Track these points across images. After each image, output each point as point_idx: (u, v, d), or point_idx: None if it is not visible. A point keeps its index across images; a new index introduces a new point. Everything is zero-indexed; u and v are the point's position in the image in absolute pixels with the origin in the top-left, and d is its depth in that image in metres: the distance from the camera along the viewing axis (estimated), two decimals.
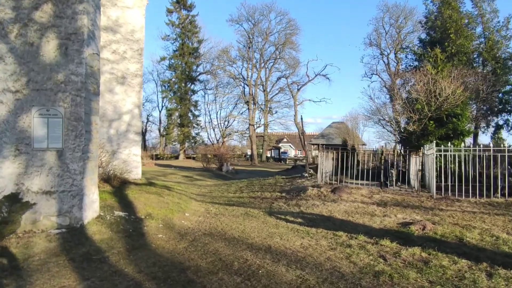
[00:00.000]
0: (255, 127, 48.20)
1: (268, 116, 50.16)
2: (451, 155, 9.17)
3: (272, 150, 59.76)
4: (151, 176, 19.02)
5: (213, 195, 13.08)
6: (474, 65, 15.36)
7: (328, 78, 46.17)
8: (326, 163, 12.07)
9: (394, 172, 10.66)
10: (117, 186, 11.24)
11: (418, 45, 17.26)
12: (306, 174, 13.94)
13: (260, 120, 49.45)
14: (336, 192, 9.72)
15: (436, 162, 9.61)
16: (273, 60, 48.80)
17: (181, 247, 6.27)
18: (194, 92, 50.72)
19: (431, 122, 11.66)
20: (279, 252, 5.72)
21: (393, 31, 39.35)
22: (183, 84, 47.60)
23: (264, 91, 49.61)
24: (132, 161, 13.93)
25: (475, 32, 16.08)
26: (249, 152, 64.99)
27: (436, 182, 9.07)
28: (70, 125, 6.83)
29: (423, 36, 17.19)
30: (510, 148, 8.99)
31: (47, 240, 6.12)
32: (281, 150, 61.11)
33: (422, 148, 10.85)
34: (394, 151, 11.08)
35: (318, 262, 5.15)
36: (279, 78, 50.04)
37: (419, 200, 8.76)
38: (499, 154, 8.78)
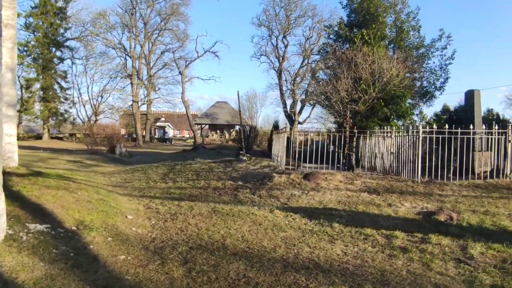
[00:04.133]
0: (140, 104, 43.39)
1: (153, 93, 45.82)
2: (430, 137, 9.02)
3: (156, 130, 55.32)
4: (24, 162, 14.54)
5: (137, 186, 10.39)
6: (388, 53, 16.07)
7: (217, 56, 44.37)
8: (277, 146, 10.75)
9: (353, 155, 10.10)
10: None
11: (338, 27, 17.27)
12: (245, 158, 12.35)
13: (145, 97, 44.66)
14: (311, 179, 8.51)
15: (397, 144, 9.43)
16: (158, 31, 44.36)
17: (179, 276, 4.11)
18: (61, 60, 42.33)
19: (381, 101, 11.56)
20: (335, 269, 4.18)
21: (283, 13, 39.84)
22: (46, 50, 39.02)
23: (147, 64, 44.84)
24: (5, 144, 9.95)
25: (389, 21, 16.95)
26: (122, 132, 59.12)
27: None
28: None
29: (344, 18, 17.39)
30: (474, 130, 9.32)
31: None
32: (165, 130, 57.21)
33: (386, 128, 10.48)
34: (347, 133, 10.46)
35: (409, 280, 3.82)
36: (163, 52, 45.90)
37: (407, 185, 8.27)
38: (465, 137, 9.04)
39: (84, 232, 5.45)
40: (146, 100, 45.19)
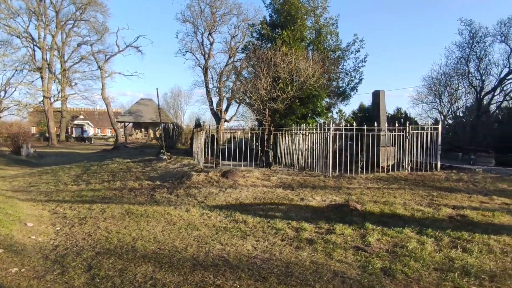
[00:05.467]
0: (52, 100, 39.49)
1: (68, 89, 42.07)
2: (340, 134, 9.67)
3: (74, 129, 50.95)
4: None
5: (43, 190, 9.54)
6: (307, 54, 16.84)
7: (140, 51, 42.31)
8: (197, 144, 10.63)
9: (271, 152, 10.42)
10: None
11: (260, 26, 17.65)
12: (165, 157, 11.98)
13: (59, 93, 40.75)
14: (229, 176, 8.57)
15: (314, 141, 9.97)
16: (73, 22, 40.87)
17: (79, 284, 3.89)
18: None
19: (297, 101, 12.09)
20: (243, 264, 4.28)
21: (208, 10, 39.34)
22: None
23: (60, 57, 41.06)
24: None
25: (309, 23, 17.75)
26: (33, 130, 53.84)
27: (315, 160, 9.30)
28: None
29: (267, 17, 17.83)
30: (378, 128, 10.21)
31: None
32: (84, 128, 53.02)
33: (300, 127, 10.97)
34: (266, 130, 10.78)
35: (311, 270, 4.07)
36: (80, 44, 42.39)
37: (319, 180, 8.73)
38: (370, 133, 9.89)
39: None
40: (60, 96, 41.36)
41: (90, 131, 64.91)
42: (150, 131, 50.39)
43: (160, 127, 40.37)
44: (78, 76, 42.44)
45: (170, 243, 5.05)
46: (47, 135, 40.75)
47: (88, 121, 65.33)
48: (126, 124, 51.26)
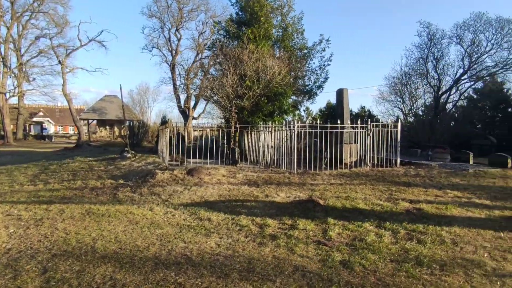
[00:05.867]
0: (8, 96, 37.32)
1: (26, 84, 39.87)
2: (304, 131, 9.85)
3: (32, 126, 48.39)
4: None
5: None
6: (274, 52, 16.95)
7: (104, 46, 40.87)
8: (162, 141, 10.44)
9: (237, 150, 10.42)
10: None
11: (226, 23, 17.57)
12: (129, 155, 11.68)
13: (15, 88, 38.55)
14: (194, 174, 8.50)
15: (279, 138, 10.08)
16: (30, 13, 38.76)
17: None
18: None
19: (264, 98, 12.17)
20: (206, 261, 4.27)
21: (175, 6, 38.63)
22: None
23: (17, 50, 38.86)
24: None
25: (275, 22, 17.87)
26: None
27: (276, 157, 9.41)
28: None
29: (234, 15, 17.76)
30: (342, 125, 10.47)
31: None
32: (44, 126, 50.54)
33: (265, 124, 11.04)
34: (232, 128, 10.77)
35: (273, 265, 4.13)
36: (38, 37, 40.27)
37: (284, 177, 8.84)
38: (333, 131, 10.14)
39: None
40: (16, 91, 39.15)
41: (51, 128, 62.02)
42: (116, 128, 48.81)
43: (125, 125, 39.36)
44: (36, 71, 40.33)
45: (132, 243, 4.95)
46: (2, 133, 38.53)
47: (48, 118, 62.42)
48: (90, 121, 49.44)
